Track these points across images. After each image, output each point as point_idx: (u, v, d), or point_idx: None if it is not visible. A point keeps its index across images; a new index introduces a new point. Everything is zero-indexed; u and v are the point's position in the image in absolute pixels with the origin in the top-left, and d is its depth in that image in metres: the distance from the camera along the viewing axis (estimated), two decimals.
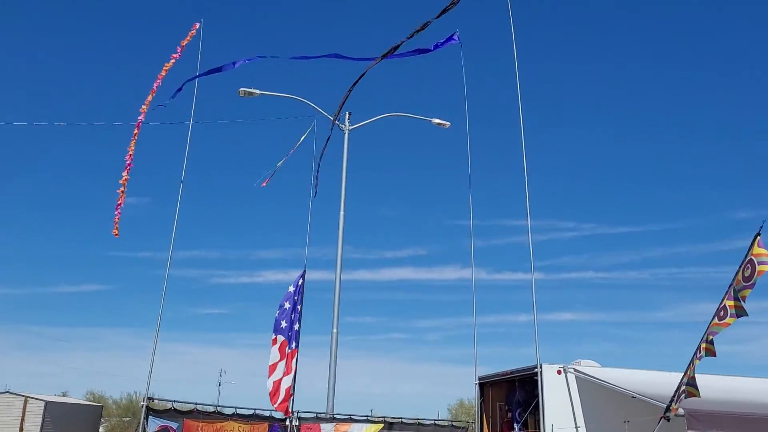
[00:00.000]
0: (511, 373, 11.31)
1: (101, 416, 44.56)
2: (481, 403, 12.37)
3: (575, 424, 9.80)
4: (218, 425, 10.09)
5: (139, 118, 10.58)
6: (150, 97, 10.73)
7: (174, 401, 9.40)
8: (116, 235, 9.73)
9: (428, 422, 12.30)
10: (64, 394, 48.07)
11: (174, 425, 9.31)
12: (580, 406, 9.91)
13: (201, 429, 9.72)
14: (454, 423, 12.32)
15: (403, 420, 12.44)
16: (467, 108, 13.20)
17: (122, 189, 10.14)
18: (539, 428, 10.05)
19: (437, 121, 15.41)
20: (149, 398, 8.86)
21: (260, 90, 14.77)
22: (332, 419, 11.66)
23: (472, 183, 12.82)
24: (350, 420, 11.77)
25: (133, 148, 10.50)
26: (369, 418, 12.00)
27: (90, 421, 41.90)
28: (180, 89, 10.51)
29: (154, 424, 8.98)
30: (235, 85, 14.87)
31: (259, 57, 10.59)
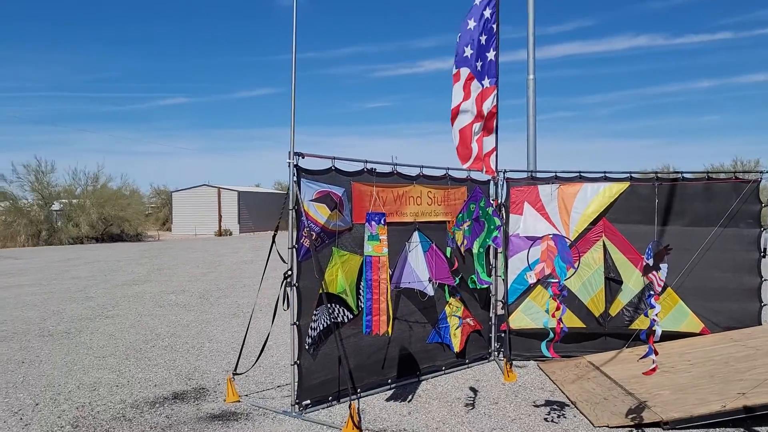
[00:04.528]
0: None
1: None
2: None
3: None
4: (401, 190, 7.05)
5: None
6: None
7: (334, 158, 6.37)
8: None
9: (696, 177, 8.34)
10: (257, 186, 51.14)
11: (338, 191, 6.40)
12: None
13: (377, 195, 6.75)
14: (736, 174, 8.17)
15: (659, 175, 8.57)
16: None
17: None
18: None
19: None
20: (296, 153, 5.88)
21: None
22: (555, 179, 8.16)
23: None
24: (580, 179, 8.18)
25: None
26: (607, 175, 8.30)
27: (279, 206, 44.12)
28: None
29: (310, 189, 6.11)
30: None
31: None
